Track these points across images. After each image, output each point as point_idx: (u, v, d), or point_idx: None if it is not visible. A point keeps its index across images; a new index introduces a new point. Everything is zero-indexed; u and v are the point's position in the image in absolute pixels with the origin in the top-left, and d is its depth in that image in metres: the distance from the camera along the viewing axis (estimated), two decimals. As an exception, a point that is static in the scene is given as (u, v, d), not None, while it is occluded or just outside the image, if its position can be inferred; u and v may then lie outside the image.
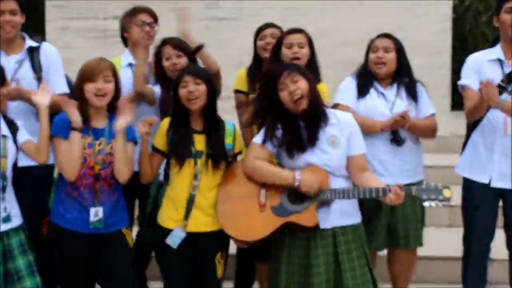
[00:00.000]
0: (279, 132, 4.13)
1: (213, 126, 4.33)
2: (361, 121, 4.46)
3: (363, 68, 5.02)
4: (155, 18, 5.40)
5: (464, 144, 4.94)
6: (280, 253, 4.15)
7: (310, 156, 4.07)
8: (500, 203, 4.81)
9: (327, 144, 4.08)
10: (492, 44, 5.03)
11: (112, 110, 4.32)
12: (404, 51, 4.96)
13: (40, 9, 11.59)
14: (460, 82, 4.89)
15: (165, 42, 5.04)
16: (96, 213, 4.15)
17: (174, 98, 4.34)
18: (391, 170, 4.78)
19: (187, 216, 4.21)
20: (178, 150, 4.25)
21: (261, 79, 4.32)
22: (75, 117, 4.14)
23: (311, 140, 4.06)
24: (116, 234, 4.31)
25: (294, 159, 4.09)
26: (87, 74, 4.19)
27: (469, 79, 4.76)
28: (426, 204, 3.96)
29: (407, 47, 5.00)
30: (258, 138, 4.21)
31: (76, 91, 4.29)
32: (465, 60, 4.96)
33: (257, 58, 5.37)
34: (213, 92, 4.33)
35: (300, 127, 4.09)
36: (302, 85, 4.05)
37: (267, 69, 4.49)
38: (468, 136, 4.90)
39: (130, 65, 5.32)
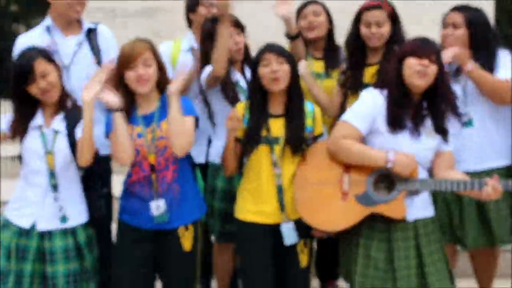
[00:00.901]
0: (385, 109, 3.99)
1: (295, 109, 4.16)
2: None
3: None
4: None
5: None
6: (356, 245, 4.04)
7: (409, 143, 3.95)
8: None
9: (425, 134, 3.97)
10: None
11: (163, 90, 4.15)
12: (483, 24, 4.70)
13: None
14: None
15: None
16: (157, 207, 4.05)
17: (253, 78, 4.20)
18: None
19: (282, 207, 4.10)
20: (250, 136, 4.13)
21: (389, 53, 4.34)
22: (110, 98, 4.00)
23: (416, 126, 3.96)
24: (173, 233, 4.15)
25: (390, 138, 3.96)
26: (125, 60, 4.01)
27: None
28: None
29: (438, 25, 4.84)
30: (348, 116, 4.07)
31: (116, 79, 4.11)
32: None
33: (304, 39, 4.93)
34: (296, 72, 4.16)
35: (411, 107, 3.99)
36: (432, 69, 3.88)
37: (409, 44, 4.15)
38: None
39: (191, 49, 5.17)
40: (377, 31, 4.61)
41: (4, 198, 6.44)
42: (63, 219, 3.99)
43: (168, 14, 10.32)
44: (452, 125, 4.06)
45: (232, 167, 4.25)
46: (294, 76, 4.11)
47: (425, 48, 3.92)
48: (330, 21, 5.00)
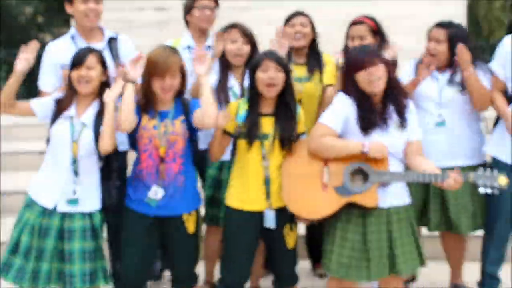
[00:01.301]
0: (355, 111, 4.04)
1: (288, 111, 4.16)
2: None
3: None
4: (216, 2, 5.22)
5: (494, 125, 4.77)
6: (334, 229, 4.09)
7: (378, 137, 3.99)
8: None
9: (393, 127, 4.02)
10: (509, 30, 4.67)
11: (180, 93, 4.20)
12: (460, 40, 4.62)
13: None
14: (489, 66, 4.71)
15: (233, 25, 4.79)
16: (155, 192, 4.06)
17: (250, 81, 4.17)
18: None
19: (268, 195, 4.12)
20: (250, 133, 4.10)
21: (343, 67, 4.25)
22: (133, 73, 4.05)
23: (382, 123, 4.00)
24: (177, 219, 4.15)
25: (363, 137, 4.00)
26: (155, 70, 4.00)
27: (497, 65, 4.64)
28: (481, 190, 3.90)
29: (423, 32, 4.84)
30: (324, 119, 4.12)
31: (144, 82, 4.10)
32: (501, 42, 4.74)
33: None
34: (289, 80, 4.15)
35: (375, 108, 4.04)
36: (380, 72, 3.96)
37: (351, 58, 4.18)
38: (498, 118, 4.74)
39: (189, 47, 5.12)
40: (359, 44, 4.66)
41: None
42: (74, 201, 4.02)
43: (177, 25, 10.31)
44: (411, 116, 4.13)
45: (217, 155, 4.28)
46: (288, 82, 4.12)
47: (366, 59, 3.98)
48: (314, 31, 4.99)
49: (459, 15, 10.88)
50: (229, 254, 4.24)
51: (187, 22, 5.28)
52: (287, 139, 4.11)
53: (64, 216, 4.02)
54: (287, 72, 4.10)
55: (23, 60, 4.02)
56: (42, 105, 4.13)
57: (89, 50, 4.12)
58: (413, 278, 5.09)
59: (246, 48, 4.68)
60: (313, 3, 9.98)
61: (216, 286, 4.43)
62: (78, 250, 4.02)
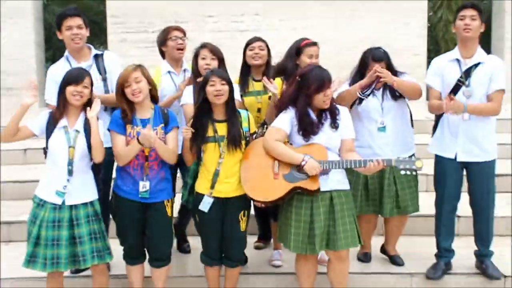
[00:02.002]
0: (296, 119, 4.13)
1: (233, 116, 4.21)
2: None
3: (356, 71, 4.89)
4: (184, 33, 5.11)
5: (434, 128, 4.82)
6: (289, 212, 4.15)
7: (317, 137, 4.08)
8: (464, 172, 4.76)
9: (330, 128, 4.11)
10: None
11: (155, 101, 4.29)
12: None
13: (104, 26, 11.27)
14: (426, 83, 4.82)
15: (203, 45, 4.79)
16: (144, 186, 4.12)
17: (201, 94, 4.22)
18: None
19: (212, 186, 4.17)
20: (200, 135, 4.17)
21: (292, 81, 4.26)
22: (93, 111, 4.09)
23: (319, 126, 4.10)
24: (159, 205, 4.22)
25: (304, 139, 4.11)
26: (121, 80, 4.10)
27: (432, 80, 4.73)
28: (402, 172, 4.03)
29: (392, 50, 4.83)
30: (276, 123, 4.19)
31: (118, 94, 4.16)
32: (430, 63, 4.88)
33: (245, 64, 5.06)
34: (232, 90, 4.22)
35: (311, 116, 4.12)
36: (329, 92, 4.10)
37: (302, 74, 4.23)
38: (436, 122, 4.79)
39: (168, 72, 5.06)
40: (315, 61, 4.73)
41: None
42: (60, 194, 4.01)
43: (193, 44, 10.31)
44: (343, 118, 4.19)
45: (189, 160, 4.30)
46: (231, 93, 4.18)
47: (326, 83, 4.06)
48: (269, 53, 5.01)
49: (422, 35, 10.91)
50: (199, 229, 4.42)
51: (162, 52, 5.18)
52: (237, 139, 4.16)
53: (71, 208, 4.03)
54: (230, 85, 4.16)
55: (32, 96, 4.04)
56: (38, 123, 4.10)
57: (85, 71, 4.14)
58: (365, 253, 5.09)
59: (214, 63, 4.66)
60: (292, 25, 10.28)
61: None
62: (86, 233, 4.05)
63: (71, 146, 4.01)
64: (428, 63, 10.63)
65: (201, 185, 4.24)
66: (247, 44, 5.00)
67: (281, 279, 4.80)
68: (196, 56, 4.75)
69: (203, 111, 4.18)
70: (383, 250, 5.09)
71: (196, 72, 4.74)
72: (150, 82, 4.18)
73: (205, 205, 4.16)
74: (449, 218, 4.71)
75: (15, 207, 6.14)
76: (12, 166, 7.34)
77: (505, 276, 4.66)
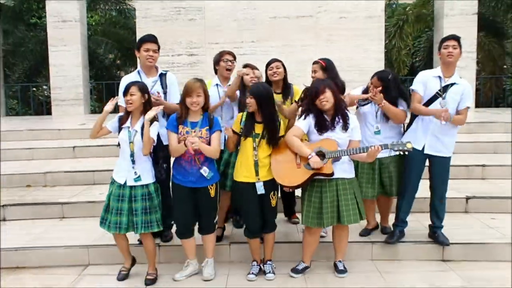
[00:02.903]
0: (314, 120, 4.16)
1: (269, 119, 4.16)
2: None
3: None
4: (234, 57, 5.02)
5: (408, 126, 4.74)
6: (305, 195, 4.23)
7: (330, 135, 4.10)
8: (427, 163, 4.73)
9: (339, 129, 4.12)
10: (410, 69, 4.77)
11: (206, 109, 4.23)
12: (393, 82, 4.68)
13: (134, 50, 11.14)
14: (411, 88, 4.68)
15: (246, 65, 4.86)
16: (205, 171, 4.13)
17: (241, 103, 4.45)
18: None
19: (257, 173, 4.14)
20: (245, 131, 4.19)
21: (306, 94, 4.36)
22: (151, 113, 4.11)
23: (332, 127, 4.12)
24: (205, 188, 4.19)
25: (320, 136, 4.12)
26: (186, 91, 4.10)
27: (417, 87, 4.60)
28: (397, 152, 4.11)
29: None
30: (297, 123, 4.26)
31: (182, 100, 4.17)
32: (418, 74, 4.77)
33: (267, 81, 4.91)
34: (264, 103, 4.17)
35: (325, 117, 4.16)
36: (328, 95, 4.10)
37: (307, 88, 4.40)
38: (411, 121, 4.72)
39: (216, 85, 4.94)
40: (317, 75, 4.72)
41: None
42: (137, 179, 4.09)
43: (203, 65, 10.23)
44: (352, 123, 4.17)
45: (231, 148, 4.27)
46: (263, 104, 4.14)
47: (318, 89, 4.11)
48: (285, 70, 4.91)
49: (380, 58, 10.97)
50: (243, 211, 4.38)
51: (215, 70, 5.07)
52: (271, 139, 4.15)
53: (131, 188, 4.09)
54: (257, 98, 4.11)
55: (111, 104, 4.20)
56: (112, 123, 4.20)
57: (132, 83, 4.14)
58: (375, 227, 5.06)
59: (256, 74, 4.76)
60: (280, 50, 10.28)
61: (243, 229, 4.43)
62: (140, 208, 4.09)
63: (131, 142, 4.07)
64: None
65: (240, 174, 4.22)
66: (267, 65, 4.93)
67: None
68: (218, 60, 4.82)
69: (249, 115, 4.23)
70: (369, 224, 5.06)
71: (242, 86, 4.74)
72: (207, 96, 4.18)
73: (260, 188, 4.13)
74: (411, 197, 4.69)
75: (67, 191, 6.15)
76: (64, 160, 7.31)
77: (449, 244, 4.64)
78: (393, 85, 4.62)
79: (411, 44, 14.38)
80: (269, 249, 4.37)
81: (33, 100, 13.59)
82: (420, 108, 4.53)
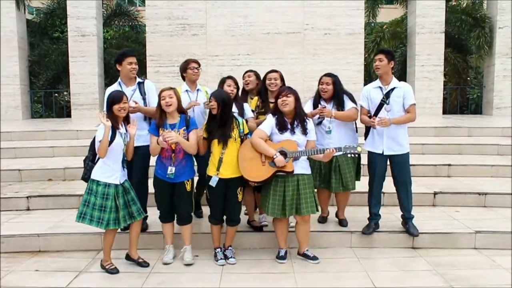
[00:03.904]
0: (276, 121, 4.16)
1: (224, 121, 4.14)
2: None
3: (316, 93, 4.75)
4: (199, 64, 5.00)
5: (366, 133, 4.70)
6: (269, 188, 4.16)
7: (289, 136, 4.09)
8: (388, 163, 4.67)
9: (298, 132, 4.12)
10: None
11: (181, 111, 4.22)
12: (339, 83, 4.69)
13: (144, 61, 11.12)
14: (358, 102, 4.68)
15: (228, 77, 4.75)
16: (170, 170, 4.10)
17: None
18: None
19: (218, 169, 4.11)
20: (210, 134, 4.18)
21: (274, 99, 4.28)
22: (133, 131, 4.13)
23: (292, 130, 4.12)
24: (182, 183, 4.16)
25: (281, 136, 4.10)
26: (160, 95, 4.12)
27: (362, 102, 4.65)
28: (348, 155, 4.17)
29: (341, 80, 4.75)
30: (260, 126, 4.21)
31: (158, 106, 4.16)
32: (362, 90, 4.75)
33: (265, 88, 4.80)
34: (224, 105, 4.14)
35: (285, 119, 4.16)
36: (289, 99, 4.11)
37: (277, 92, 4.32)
38: (367, 129, 4.68)
39: (186, 91, 4.89)
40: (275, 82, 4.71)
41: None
42: (124, 176, 4.07)
43: (204, 75, 10.09)
44: (309, 126, 4.17)
45: (203, 151, 4.22)
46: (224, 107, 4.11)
47: (282, 91, 4.15)
48: (282, 80, 4.80)
49: (360, 70, 11.03)
50: (209, 200, 4.33)
51: (183, 77, 5.01)
52: (227, 139, 4.10)
53: (122, 183, 4.04)
54: (221, 103, 4.08)
55: (105, 120, 3.89)
56: (108, 133, 3.93)
57: (122, 92, 4.12)
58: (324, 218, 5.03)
59: (235, 90, 4.62)
60: (272, 62, 10.27)
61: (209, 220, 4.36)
62: (133, 197, 4.10)
63: (125, 145, 4.03)
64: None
65: (210, 169, 4.18)
66: (265, 75, 4.82)
67: (264, 236, 4.72)
68: (222, 83, 4.67)
69: (212, 120, 4.19)
70: (336, 215, 5.01)
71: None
72: (179, 99, 4.16)
73: (213, 182, 4.10)
74: (377, 193, 4.66)
75: (84, 184, 6.06)
76: (81, 157, 7.20)
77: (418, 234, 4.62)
78: (338, 82, 4.63)
79: (387, 58, 14.38)
80: (229, 238, 4.38)
81: (55, 104, 13.53)
82: (363, 119, 4.58)
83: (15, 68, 11.84)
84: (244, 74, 4.96)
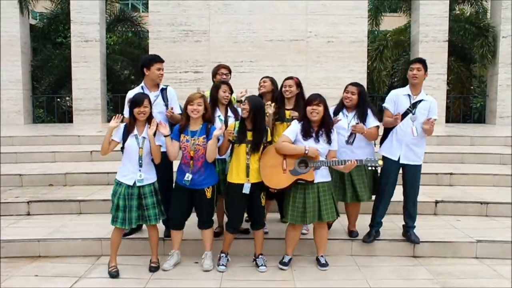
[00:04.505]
0: (301, 127, 4.16)
1: (257, 128, 4.12)
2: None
3: (340, 101, 4.69)
4: (230, 70, 5.11)
5: (383, 139, 4.69)
6: (290, 196, 4.18)
7: (313, 143, 4.09)
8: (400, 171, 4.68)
9: (322, 140, 4.11)
10: (389, 88, 4.71)
11: (205, 119, 4.21)
12: (365, 94, 4.64)
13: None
14: (383, 105, 4.67)
15: (222, 82, 4.72)
16: (187, 177, 4.11)
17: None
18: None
19: (248, 175, 4.10)
20: (239, 139, 4.14)
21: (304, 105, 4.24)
22: (163, 130, 4.12)
23: (316, 138, 4.11)
24: (201, 190, 4.17)
25: (304, 142, 4.09)
26: (188, 100, 4.13)
27: (388, 104, 4.61)
28: (369, 168, 4.18)
29: (343, 87, 4.67)
30: (285, 132, 4.20)
31: (184, 109, 4.19)
32: (389, 93, 4.72)
33: (282, 96, 4.72)
34: (257, 111, 4.13)
35: (311, 126, 4.16)
36: (320, 109, 4.11)
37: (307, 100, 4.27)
38: (385, 134, 4.67)
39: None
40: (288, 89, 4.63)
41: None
42: (141, 180, 4.05)
43: (207, 81, 10.21)
44: (333, 136, 4.15)
45: (223, 152, 4.21)
46: (256, 115, 4.09)
47: (313, 99, 4.12)
48: (298, 87, 4.66)
49: (363, 78, 11.01)
50: (229, 209, 4.28)
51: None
52: (257, 145, 4.11)
53: (140, 187, 4.08)
54: (253, 109, 4.07)
55: (115, 122, 4.03)
56: (118, 134, 4.08)
57: (144, 95, 4.13)
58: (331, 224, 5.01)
59: (227, 95, 4.58)
60: (275, 70, 10.29)
61: (224, 228, 4.37)
62: (150, 203, 4.11)
63: (141, 147, 4.05)
64: (369, 96, 10.94)
65: (231, 175, 4.16)
66: (282, 82, 4.75)
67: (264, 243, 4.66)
68: (217, 88, 4.62)
69: (241, 123, 4.18)
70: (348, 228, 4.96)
71: (215, 99, 4.60)
72: (207, 108, 4.18)
73: (246, 189, 4.08)
74: (387, 202, 4.66)
75: (84, 190, 6.13)
76: (82, 163, 7.30)
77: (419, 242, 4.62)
78: (364, 93, 4.59)
79: (390, 66, 14.41)
80: (259, 245, 4.34)
81: (57, 109, 13.58)
82: (388, 120, 4.53)
83: (18, 72, 11.92)
84: (285, 81, 4.81)
